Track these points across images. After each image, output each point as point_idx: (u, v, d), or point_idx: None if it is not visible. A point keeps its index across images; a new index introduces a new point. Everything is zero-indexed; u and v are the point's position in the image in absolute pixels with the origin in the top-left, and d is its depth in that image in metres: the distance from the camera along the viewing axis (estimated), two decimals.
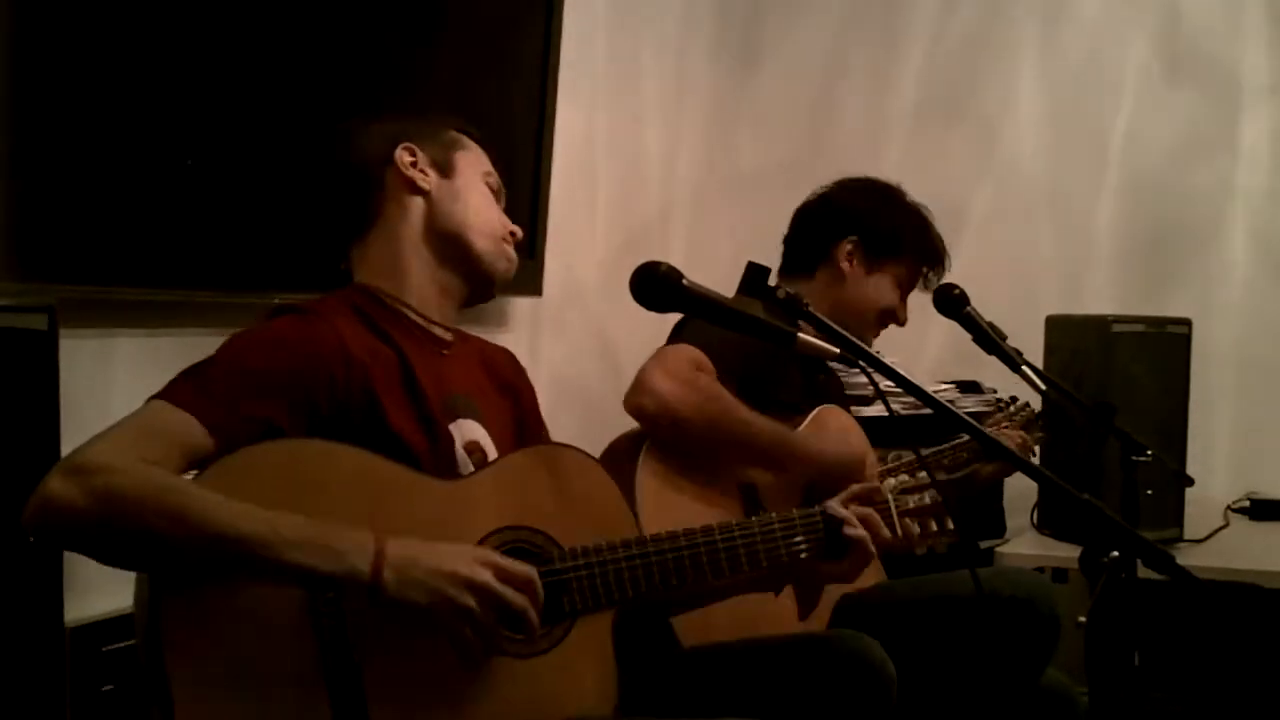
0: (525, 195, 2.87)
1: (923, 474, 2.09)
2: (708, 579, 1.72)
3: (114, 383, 2.11)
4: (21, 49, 1.83)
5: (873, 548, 1.83)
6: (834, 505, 1.85)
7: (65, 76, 1.86)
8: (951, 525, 1.92)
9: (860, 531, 1.82)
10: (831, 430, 2.35)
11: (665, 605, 1.90)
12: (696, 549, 1.69)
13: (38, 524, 1.40)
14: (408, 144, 1.78)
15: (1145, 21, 3.70)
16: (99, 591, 1.74)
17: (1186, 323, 2.96)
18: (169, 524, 1.37)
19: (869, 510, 1.87)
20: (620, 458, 2.10)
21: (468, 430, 1.71)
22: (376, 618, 1.45)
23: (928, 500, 1.94)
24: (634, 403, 2.12)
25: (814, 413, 2.34)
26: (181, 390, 1.50)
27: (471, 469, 1.67)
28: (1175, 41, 3.67)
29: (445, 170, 1.80)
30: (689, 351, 2.17)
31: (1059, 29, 3.79)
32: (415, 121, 1.84)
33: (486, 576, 1.46)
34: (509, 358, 1.92)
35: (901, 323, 2.56)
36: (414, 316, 1.74)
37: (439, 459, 1.64)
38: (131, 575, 1.47)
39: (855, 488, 1.93)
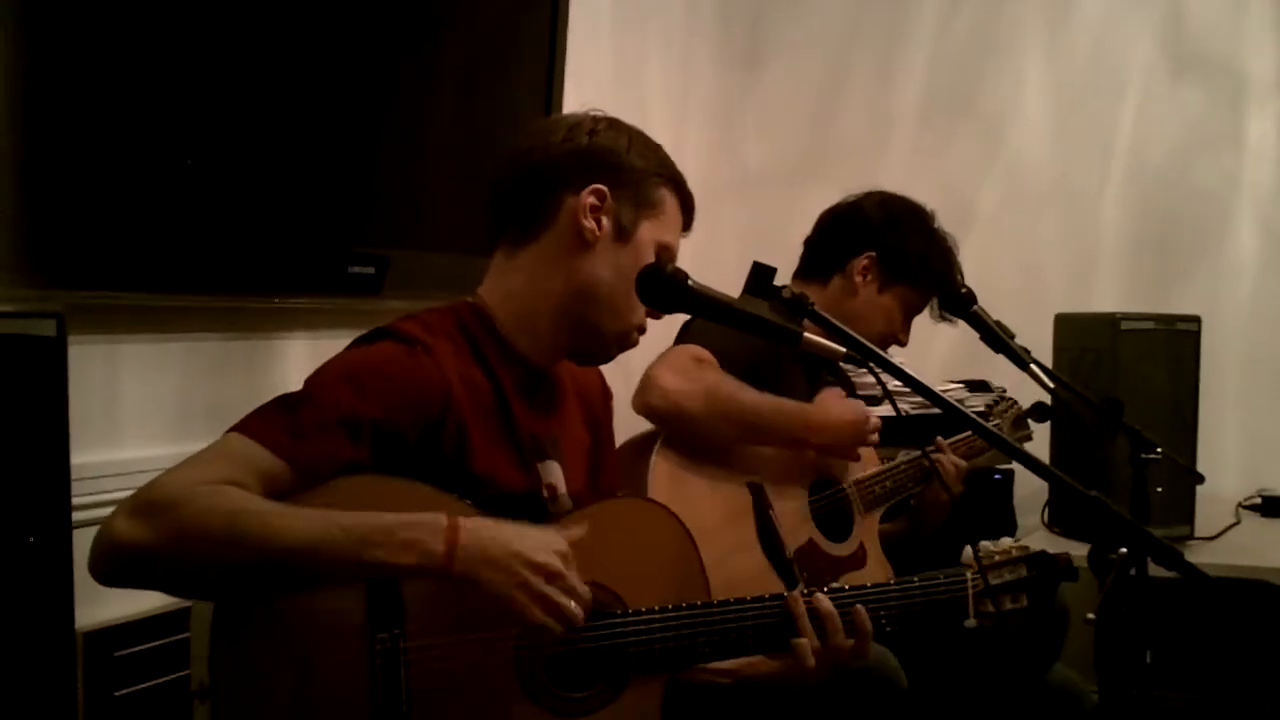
0: None
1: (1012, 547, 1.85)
2: (769, 648, 1.67)
3: (123, 388, 2.11)
4: (28, 57, 1.84)
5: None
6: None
7: (72, 83, 1.87)
8: (1026, 602, 1.79)
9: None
10: (830, 398, 2.36)
11: None
12: (762, 617, 1.65)
13: (107, 567, 1.34)
14: (602, 188, 1.63)
15: (1150, 18, 3.69)
16: (112, 597, 1.74)
17: (1195, 320, 2.95)
18: (239, 549, 1.34)
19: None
20: (632, 459, 2.11)
21: (548, 472, 1.68)
22: (432, 664, 1.43)
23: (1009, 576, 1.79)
24: (642, 402, 2.14)
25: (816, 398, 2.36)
26: (268, 428, 1.43)
27: (550, 513, 1.63)
28: (1180, 38, 3.67)
29: (623, 233, 1.65)
30: (692, 349, 2.20)
31: (1064, 26, 3.79)
32: (628, 156, 1.66)
33: (558, 564, 1.44)
34: (600, 386, 1.86)
35: (903, 344, 2.55)
36: (520, 353, 1.67)
37: (525, 500, 1.61)
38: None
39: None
